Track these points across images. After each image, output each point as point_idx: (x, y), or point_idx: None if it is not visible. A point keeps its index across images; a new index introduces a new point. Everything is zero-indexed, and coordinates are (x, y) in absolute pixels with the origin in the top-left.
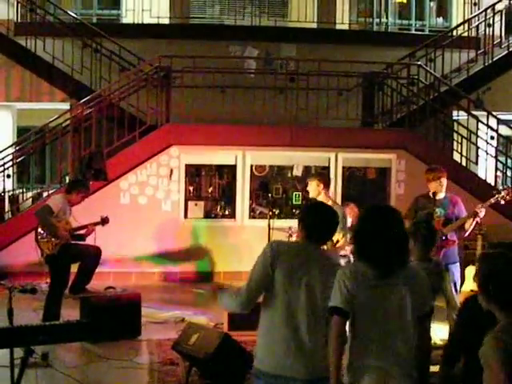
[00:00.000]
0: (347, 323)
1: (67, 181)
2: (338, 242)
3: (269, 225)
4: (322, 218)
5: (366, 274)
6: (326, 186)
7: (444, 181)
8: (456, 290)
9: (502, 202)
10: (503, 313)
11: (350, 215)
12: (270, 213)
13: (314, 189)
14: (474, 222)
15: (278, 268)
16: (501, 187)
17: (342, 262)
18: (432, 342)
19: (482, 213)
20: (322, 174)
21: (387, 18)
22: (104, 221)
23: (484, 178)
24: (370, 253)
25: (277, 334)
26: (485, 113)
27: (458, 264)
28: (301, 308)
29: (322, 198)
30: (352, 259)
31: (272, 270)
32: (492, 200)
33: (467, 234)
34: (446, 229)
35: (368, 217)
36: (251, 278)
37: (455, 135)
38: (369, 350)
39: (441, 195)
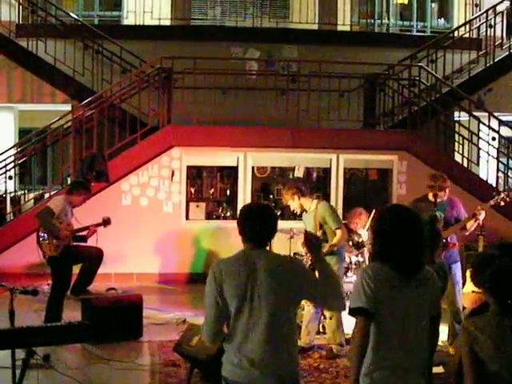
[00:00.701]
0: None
1: (69, 182)
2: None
3: None
4: (256, 219)
5: (387, 275)
6: (301, 193)
7: (447, 191)
8: (458, 290)
9: (502, 204)
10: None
11: (359, 220)
12: None
13: (294, 204)
14: (476, 224)
15: (225, 291)
16: (494, 193)
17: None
18: None
19: (481, 215)
20: (291, 186)
21: (388, 19)
22: (106, 222)
23: (485, 179)
24: (392, 254)
25: (238, 350)
26: (486, 114)
27: (459, 264)
28: (260, 322)
29: (305, 204)
30: (353, 260)
31: (220, 296)
32: (491, 202)
33: (467, 233)
34: (446, 232)
35: (389, 218)
36: (206, 311)
37: (456, 136)
38: (388, 350)
39: (443, 198)
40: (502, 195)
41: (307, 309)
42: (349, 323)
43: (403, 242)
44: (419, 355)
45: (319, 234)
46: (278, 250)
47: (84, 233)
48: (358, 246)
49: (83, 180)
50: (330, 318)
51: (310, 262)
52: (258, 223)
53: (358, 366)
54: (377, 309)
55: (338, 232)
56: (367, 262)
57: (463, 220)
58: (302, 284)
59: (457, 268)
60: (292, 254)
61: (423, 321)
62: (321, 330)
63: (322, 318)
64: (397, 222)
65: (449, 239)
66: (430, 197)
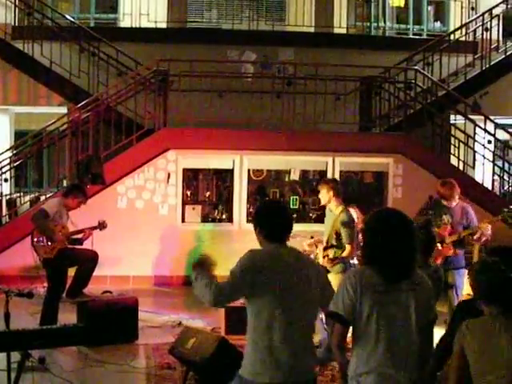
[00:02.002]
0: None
1: (65, 185)
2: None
3: None
4: (280, 216)
5: (373, 280)
6: (336, 192)
7: (456, 198)
8: (457, 295)
9: (510, 221)
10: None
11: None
12: None
13: (324, 195)
14: (483, 238)
15: (258, 282)
16: (505, 209)
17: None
18: None
19: (487, 231)
20: (333, 181)
21: (385, 22)
22: (102, 225)
23: (481, 183)
24: (379, 258)
25: (260, 343)
26: (482, 117)
27: (462, 270)
28: (296, 320)
29: (332, 203)
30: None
31: (252, 281)
32: (499, 217)
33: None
34: (449, 238)
35: (377, 222)
36: (228, 283)
37: (452, 139)
38: (374, 355)
39: (452, 203)
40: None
41: None
42: None
43: (391, 246)
44: (408, 360)
45: (331, 254)
46: None
47: (79, 236)
48: None
49: (80, 184)
50: None
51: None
52: (282, 220)
53: (342, 364)
54: (356, 314)
55: (348, 247)
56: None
57: (467, 230)
58: (324, 284)
59: (458, 274)
60: None
61: (412, 325)
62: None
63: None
64: (385, 226)
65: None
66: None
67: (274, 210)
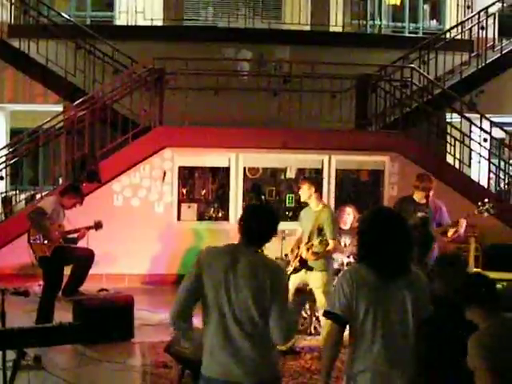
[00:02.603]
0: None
1: (61, 183)
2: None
3: None
4: (258, 220)
5: (368, 278)
6: (317, 189)
7: (431, 193)
8: None
9: (486, 215)
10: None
11: (345, 219)
12: None
13: (305, 192)
14: (456, 234)
15: (205, 275)
16: (486, 200)
17: (336, 265)
18: None
19: (462, 226)
20: (314, 178)
21: (381, 20)
22: (97, 225)
23: (477, 181)
24: (375, 256)
25: (215, 341)
26: (478, 115)
27: None
28: (231, 313)
29: (313, 200)
30: (344, 261)
31: (198, 278)
32: (476, 211)
33: (447, 240)
34: None
35: (372, 220)
36: (179, 291)
37: (448, 137)
38: (370, 353)
39: (424, 200)
40: (487, 206)
41: None
42: None
43: (386, 244)
44: (403, 357)
45: (316, 242)
46: (270, 251)
47: (74, 235)
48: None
49: (77, 185)
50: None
51: (294, 267)
52: (256, 223)
53: (328, 367)
54: (352, 313)
55: (331, 243)
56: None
57: (444, 226)
58: (272, 292)
59: None
60: (284, 256)
61: (408, 323)
62: (312, 331)
63: (314, 319)
64: (379, 225)
65: None
66: (416, 197)
67: (252, 213)
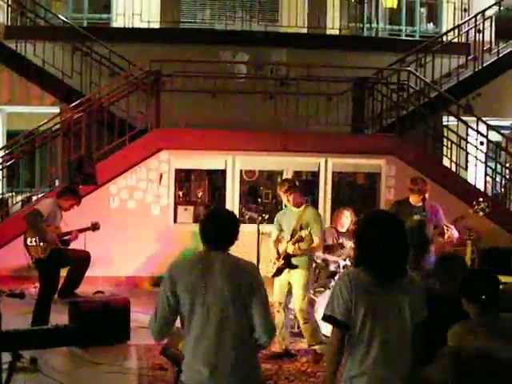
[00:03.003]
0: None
1: (57, 185)
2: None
3: (258, 230)
4: (213, 223)
5: (366, 281)
6: (296, 189)
7: (426, 195)
8: None
9: (481, 214)
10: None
11: (343, 222)
12: (260, 218)
13: (286, 196)
14: (449, 239)
15: (180, 289)
16: (481, 199)
17: (332, 267)
18: None
19: (451, 231)
20: (290, 180)
21: (377, 23)
22: (94, 227)
23: (473, 184)
24: (372, 259)
25: (194, 352)
26: (474, 118)
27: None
28: (211, 323)
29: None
30: (341, 264)
31: (173, 295)
32: (470, 211)
33: (444, 241)
34: None
35: (370, 223)
36: (155, 308)
37: (445, 141)
38: (367, 357)
39: (420, 202)
40: (482, 205)
41: (277, 315)
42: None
43: (383, 247)
44: (400, 360)
45: (304, 233)
46: (263, 254)
47: (67, 237)
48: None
49: (74, 187)
50: (305, 323)
51: (278, 267)
52: (215, 227)
53: (331, 373)
54: (354, 316)
55: (317, 240)
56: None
57: (437, 232)
58: (251, 292)
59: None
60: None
61: (406, 326)
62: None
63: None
64: (377, 228)
65: None
66: (412, 200)
67: (210, 218)
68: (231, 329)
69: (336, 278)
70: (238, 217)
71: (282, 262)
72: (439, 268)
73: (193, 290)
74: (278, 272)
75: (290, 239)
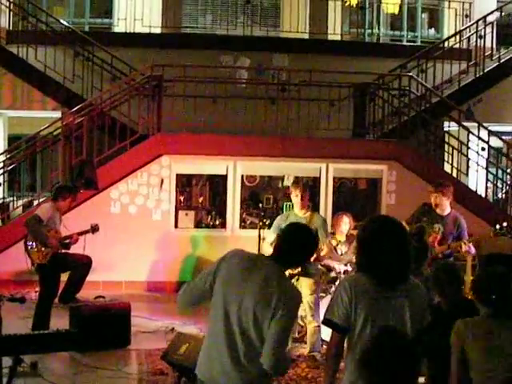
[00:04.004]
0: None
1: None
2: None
3: (259, 235)
4: (290, 238)
5: (368, 287)
6: (307, 193)
7: (443, 197)
8: None
9: (502, 237)
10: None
11: (342, 227)
12: (261, 223)
13: (297, 199)
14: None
15: (219, 278)
16: (505, 223)
17: (333, 273)
18: None
19: (468, 247)
20: (302, 184)
21: (379, 29)
22: (94, 229)
23: (475, 190)
24: (375, 265)
25: (214, 346)
26: (476, 124)
27: None
28: (235, 322)
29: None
30: (342, 270)
31: (213, 279)
32: (491, 234)
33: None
34: (439, 248)
35: (371, 228)
36: (193, 280)
37: (446, 146)
38: None
39: (444, 211)
40: (504, 230)
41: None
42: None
43: (385, 252)
44: None
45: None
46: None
47: (67, 240)
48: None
49: (65, 184)
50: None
51: (290, 274)
52: (283, 237)
53: (331, 377)
54: (354, 321)
55: (325, 248)
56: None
57: (454, 244)
58: (275, 313)
59: None
60: None
61: (407, 333)
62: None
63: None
64: (379, 233)
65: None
66: (434, 207)
67: (289, 233)
68: (240, 342)
69: (337, 283)
70: (314, 235)
71: (299, 269)
72: (435, 277)
73: (228, 288)
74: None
75: None
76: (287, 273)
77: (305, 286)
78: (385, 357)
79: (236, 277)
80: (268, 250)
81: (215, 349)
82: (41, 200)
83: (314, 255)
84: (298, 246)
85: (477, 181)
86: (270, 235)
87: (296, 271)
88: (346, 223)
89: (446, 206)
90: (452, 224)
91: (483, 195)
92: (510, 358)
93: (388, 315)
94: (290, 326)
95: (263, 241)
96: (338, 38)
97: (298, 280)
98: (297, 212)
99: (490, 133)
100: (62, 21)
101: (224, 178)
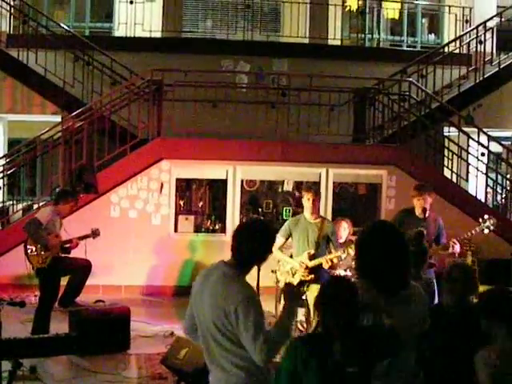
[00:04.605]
0: None
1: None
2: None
3: None
4: (239, 236)
5: (371, 293)
6: (318, 197)
7: (429, 198)
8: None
9: (487, 232)
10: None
11: (341, 232)
12: None
13: (310, 203)
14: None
15: (192, 294)
16: (480, 220)
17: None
18: None
19: (455, 248)
20: (315, 188)
21: (379, 34)
22: (94, 233)
23: (474, 195)
24: (377, 272)
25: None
26: (475, 129)
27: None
28: (206, 329)
29: (314, 213)
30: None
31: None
32: (476, 229)
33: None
34: (430, 250)
35: (371, 235)
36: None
37: (446, 151)
38: None
39: (426, 213)
40: (488, 223)
41: None
42: None
43: (384, 259)
44: (403, 372)
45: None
46: (268, 263)
47: (67, 245)
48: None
49: (67, 188)
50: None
51: (301, 279)
52: (235, 237)
53: None
54: None
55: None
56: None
57: (441, 247)
58: (236, 316)
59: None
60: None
61: (408, 336)
62: None
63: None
64: (379, 240)
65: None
66: (417, 211)
67: (237, 230)
68: (217, 341)
69: None
70: (271, 230)
71: (312, 275)
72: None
73: (194, 301)
74: (300, 285)
75: (315, 251)
76: (299, 278)
77: (315, 292)
78: (328, 297)
79: (197, 293)
80: (277, 253)
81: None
82: (40, 204)
83: (328, 263)
84: (250, 242)
85: (476, 186)
86: (277, 239)
87: (309, 277)
88: (344, 228)
89: (428, 208)
90: (433, 225)
91: (483, 201)
92: None
93: (391, 320)
94: (255, 318)
95: None
96: (338, 42)
97: (308, 287)
98: (307, 217)
99: (490, 138)
100: (62, 25)
101: (224, 182)
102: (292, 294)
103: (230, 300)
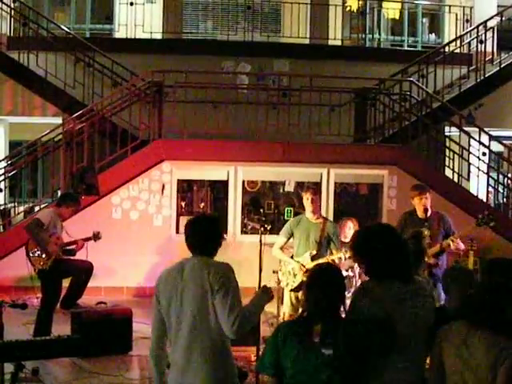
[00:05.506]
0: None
1: (59, 195)
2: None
3: (260, 240)
4: (191, 229)
5: (380, 292)
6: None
7: (426, 200)
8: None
9: (484, 227)
10: None
11: (347, 232)
12: (262, 228)
13: (312, 203)
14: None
15: (161, 299)
16: (486, 212)
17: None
18: None
19: (451, 246)
20: (316, 188)
21: (380, 34)
22: (96, 236)
23: (476, 194)
24: (385, 271)
25: (172, 363)
26: (476, 129)
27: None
28: (182, 330)
29: (312, 211)
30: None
31: (158, 307)
32: (474, 224)
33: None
34: (430, 251)
35: (376, 235)
36: (152, 325)
37: (447, 151)
38: (383, 365)
39: (427, 213)
40: (486, 219)
41: None
42: None
43: (397, 259)
44: (411, 368)
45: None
46: (266, 264)
47: (72, 246)
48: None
49: (71, 192)
50: None
51: (297, 284)
52: (190, 233)
53: None
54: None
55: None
56: (357, 277)
57: (437, 246)
58: (215, 288)
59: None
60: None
61: (415, 335)
62: None
63: None
64: (383, 240)
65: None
66: (418, 211)
67: (187, 224)
68: (201, 336)
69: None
70: (219, 222)
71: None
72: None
73: (169, 299)
74: (300, 287)
75: (317, 252)
76: (300, 279)
77: None
78: (316, 283)
79: (171, 292)
80: (277, 253)
81: (182, 359)
82: (42, 206)
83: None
84: (194, 233)
85: (478, 185)
86: (279, 239)
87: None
88: (350, 228)
89: (428, 207)
90: (437, 223)
91: (484, 200)
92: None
93: (400, 318)
94: (232, 292)
95: (265, 246)
96: (339, 43)
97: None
98: (309, 217)
99: (491, 137)
100: (63, 27)
101: (225, 183)
102: (266, 290)
103: (212, 278)
